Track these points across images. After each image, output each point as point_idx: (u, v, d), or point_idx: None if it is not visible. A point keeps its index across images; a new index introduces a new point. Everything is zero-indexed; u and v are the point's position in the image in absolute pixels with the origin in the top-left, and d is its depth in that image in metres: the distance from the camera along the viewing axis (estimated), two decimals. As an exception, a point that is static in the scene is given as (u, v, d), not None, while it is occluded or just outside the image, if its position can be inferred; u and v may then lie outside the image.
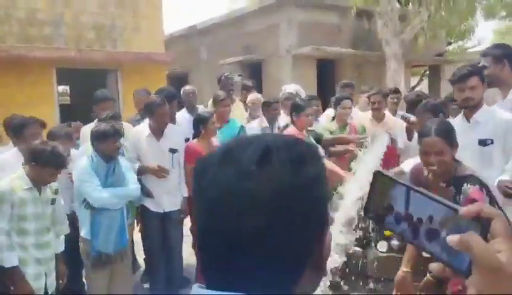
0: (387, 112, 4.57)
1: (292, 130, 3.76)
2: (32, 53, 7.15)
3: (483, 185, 2.07)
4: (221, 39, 12.60)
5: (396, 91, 5.75)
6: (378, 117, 4.39)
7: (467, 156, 2.78)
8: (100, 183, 2.90)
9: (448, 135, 2.12)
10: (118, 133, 3.01)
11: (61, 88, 9.53)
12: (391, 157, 3.96)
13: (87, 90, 10.96)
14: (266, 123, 4.53)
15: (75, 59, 7.61)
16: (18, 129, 3.21)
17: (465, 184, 2.08)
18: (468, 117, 2.81)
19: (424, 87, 15.40)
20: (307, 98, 5.18)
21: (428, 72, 15.24)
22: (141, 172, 3.48)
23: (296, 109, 3.77)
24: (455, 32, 12.68)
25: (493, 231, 0.55)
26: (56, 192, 2.87)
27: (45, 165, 2.55)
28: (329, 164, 3.59)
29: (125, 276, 3.23)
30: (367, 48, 11.44)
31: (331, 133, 4.03)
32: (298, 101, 3.95)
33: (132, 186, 3.07)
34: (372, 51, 11.30)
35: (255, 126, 4.57)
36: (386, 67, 10.36)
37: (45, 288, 2.66)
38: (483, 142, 2.71)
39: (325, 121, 4.49)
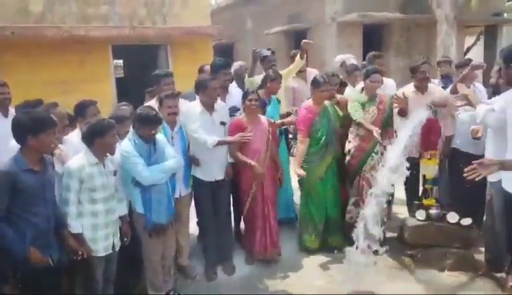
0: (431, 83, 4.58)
1: (307, 104, 4.17)
2: (91, 32, 7.64)
3: None
4: (267, 7, 12.59)
5: (425, 62, 5.59)
6: (422, 88, 4.35)
7: None
8: (145, 162, 3.18)
9: None
10: (158, 121, 3.24)
11: (114, 61, 10.10)
12: (433, 129, 4.04)
13: (140, 64, 11.54)
14: None
15: (129, 36, 8.04)
16: (80, 110, 3.59)
17: None
18: None
19: (480, 49, 14.60)
20: (351, 68, 5.25)
21: (484, 33, 14.38)
22: (221, 143, 3.76)
23: (313, 84, 4.14)
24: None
25: None
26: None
27: (104, 134, 2.90)
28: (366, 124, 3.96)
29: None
30: (416, 11, 11.00)
31: (362, 104, 4.15)
32: (317, 77, 4.19)
33: (173, 160, 3.32)
34: (421, 14, 10.87)
35: None
36: (437, 31, 9.99)
37: (113, 246, 3.10)
38: None
39: (355, 92, 4.55)
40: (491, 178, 3.36)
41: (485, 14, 12.11)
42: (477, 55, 15.01)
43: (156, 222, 3.28)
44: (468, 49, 15.03)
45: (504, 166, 2.58)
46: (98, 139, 2.92)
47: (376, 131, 3.81)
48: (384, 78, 5.00)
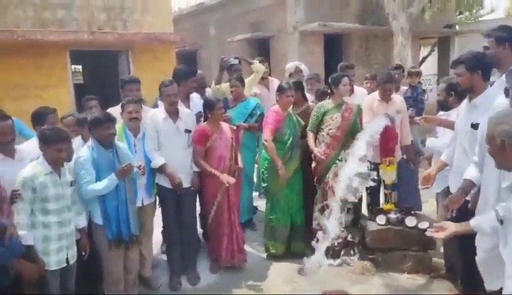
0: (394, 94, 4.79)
1: (275, 108, 4.30)
2: (48, 37, 7.37)
3: None
4: (230, 15, 12.64)
5: (398, 67, 5.91)
6: (387, 99, 4.59)
7: (461, 136, 3.01)
8: (105, 171, 3.08)
9: None
10: (110, 120, 3.17)
11: (73, 67, 9.77)
12: (391, 136, 4.19)
13: (100, 70, 11.25)
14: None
15: (88, 41, 7.83)
16: (39, 118, 3.47)
17: None
18: (470, 99, 2.96)
19: (434, 59, 15.28)
20: (308, 77, 5.45)
21: (437, 44, 15.08)
22: (164, 169, 3.71)
23: (279, 90, 4.29)
24: (464, 3, 12.51)
25: None
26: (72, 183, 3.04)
27: (49, 142, 2.79)
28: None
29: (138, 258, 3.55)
30: (374, 22, 11.41)
31: (326, 111, 4.28)
32: (282, 83, 4.41)
33: (106, 181, 3.09)
34: (379, 26, 11.28)
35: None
36: (394, 42, 10.36)
37: (67, 260, 2.93)
38: (475, 126, 2.80)
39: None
40: (436, 189, 3.50)
41: (438, 26, 12.70)
42: (431, 65, 15.72)
43: (116, 234, 3.19)
44: (423, 59, 15.70)
45: (464, 190, 2.74)
46: (45, 147, 2.81)
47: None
48: (355, 87, 5.18)
